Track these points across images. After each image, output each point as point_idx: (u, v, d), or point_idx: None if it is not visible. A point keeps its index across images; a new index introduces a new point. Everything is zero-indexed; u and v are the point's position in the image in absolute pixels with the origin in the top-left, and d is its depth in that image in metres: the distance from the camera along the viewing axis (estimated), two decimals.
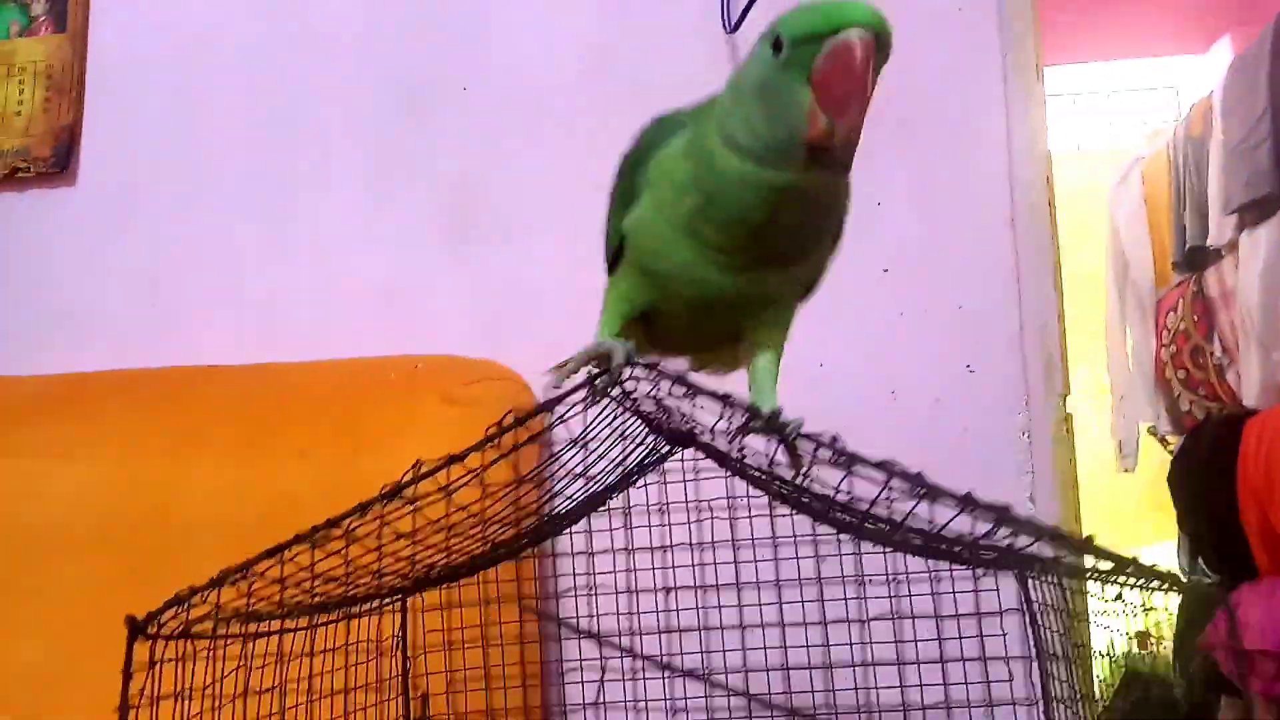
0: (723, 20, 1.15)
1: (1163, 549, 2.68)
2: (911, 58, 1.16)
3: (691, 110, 0.58)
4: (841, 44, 0.47)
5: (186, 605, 0.46)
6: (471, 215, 1.23)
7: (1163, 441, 2.60)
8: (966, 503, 0.47)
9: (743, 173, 0.51)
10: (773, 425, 0.53)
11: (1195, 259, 2.24)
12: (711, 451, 0.51)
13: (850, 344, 1.13)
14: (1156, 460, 2.66)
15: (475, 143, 1.24)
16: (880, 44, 0.48)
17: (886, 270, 1.14)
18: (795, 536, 0.88)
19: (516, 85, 1.24)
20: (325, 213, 1.27)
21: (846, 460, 0.49)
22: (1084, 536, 0.51)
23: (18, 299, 1.33)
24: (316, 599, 0.46)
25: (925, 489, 0.48)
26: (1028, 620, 0.47)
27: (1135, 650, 2.85)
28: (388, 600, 0.51)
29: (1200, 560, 2.29)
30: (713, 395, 0.52)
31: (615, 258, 0.61)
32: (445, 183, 1.24)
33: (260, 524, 1.02)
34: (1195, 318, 2.22)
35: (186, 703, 0.46)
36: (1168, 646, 2.51)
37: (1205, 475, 2.09)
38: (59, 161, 1.32)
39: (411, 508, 0.45)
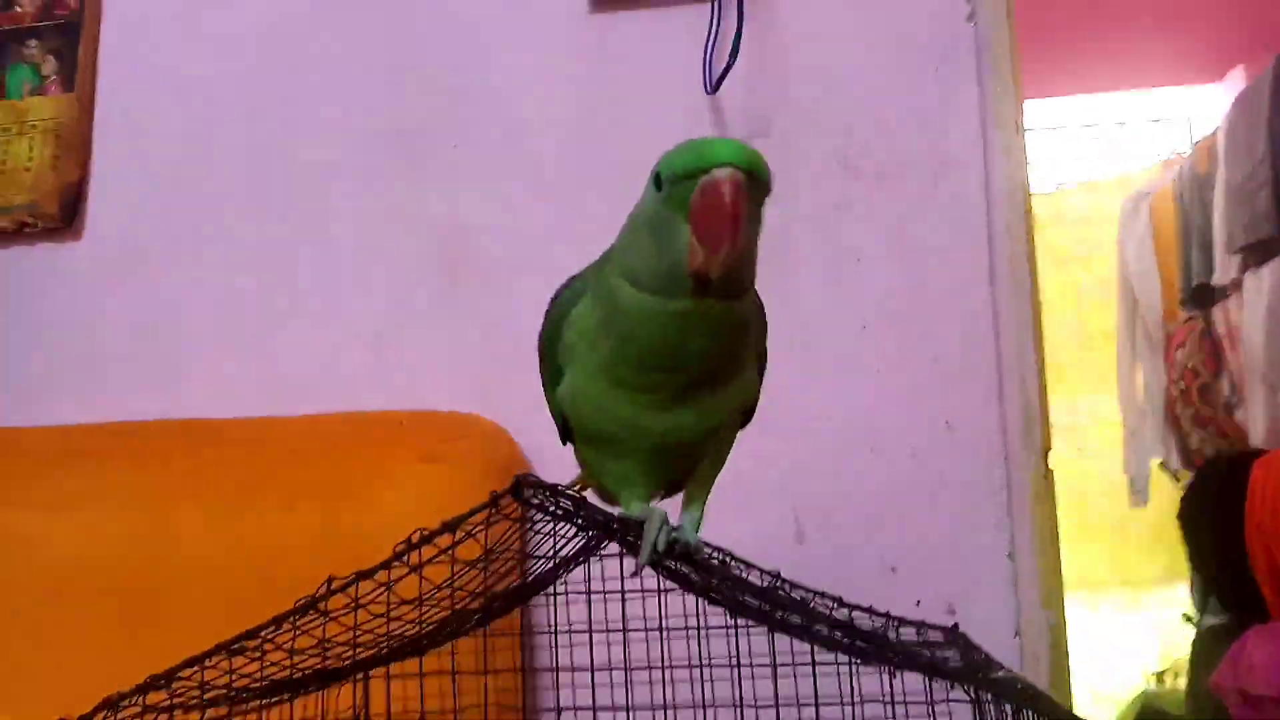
0: (704, 81, 1.17)
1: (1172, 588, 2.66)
2: (890, 112, 1.19)
3: (590, 268, 0.61)
4: (711, 182, 0.49)
5: (117, 708, 0.48)
6: (461, 267, 1.25)
7: (1174, 477, 2.59)
8: (841, 625, 0.49)
9: (641, 302, 0.53)
10: (672, 549, 0.55)
11: (1202, 296, 2.24)
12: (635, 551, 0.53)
13: (829, 399, 1.14)
14: (1169, 495, 2.64)
15: (465, 195, 1.26)
16: (755, 180, 0.50)
17: (865, 326, 1.15)
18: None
19: (506, 139, 1.27)
20: (320, 265, 1.30)
21: (731, 586, 0.50)
22: (979, 671, 0.51)
23: (28, 351, 1.37)
24: (236, 694, 0.48)
25: (805, 618, 0.49)
26: None
27: (1152, 687, 2.82)
28: (309, 690, 0.53)
29: (1211, 600, 2.27)
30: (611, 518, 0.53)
31: (565, 430, 0.64)
32: (435, 236, 1.26)
33: (250, 575, 1.07)
34: (1203, 355, 2.21)
35: None
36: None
37: (1214, 515, 2.08)
38: (65, 217, 1.36)
39: (325, 618, 0.48)
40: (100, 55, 1.40)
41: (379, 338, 1.27)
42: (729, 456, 0.67)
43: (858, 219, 1.17)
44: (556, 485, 0.55)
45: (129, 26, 1.41)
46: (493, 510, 0.52)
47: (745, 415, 0.63)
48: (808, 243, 1.17)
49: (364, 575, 0.50)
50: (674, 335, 0.53)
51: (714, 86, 1.15)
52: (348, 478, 1.07)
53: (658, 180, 0.52)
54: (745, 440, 1.16)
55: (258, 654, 0.46)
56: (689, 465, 0.62)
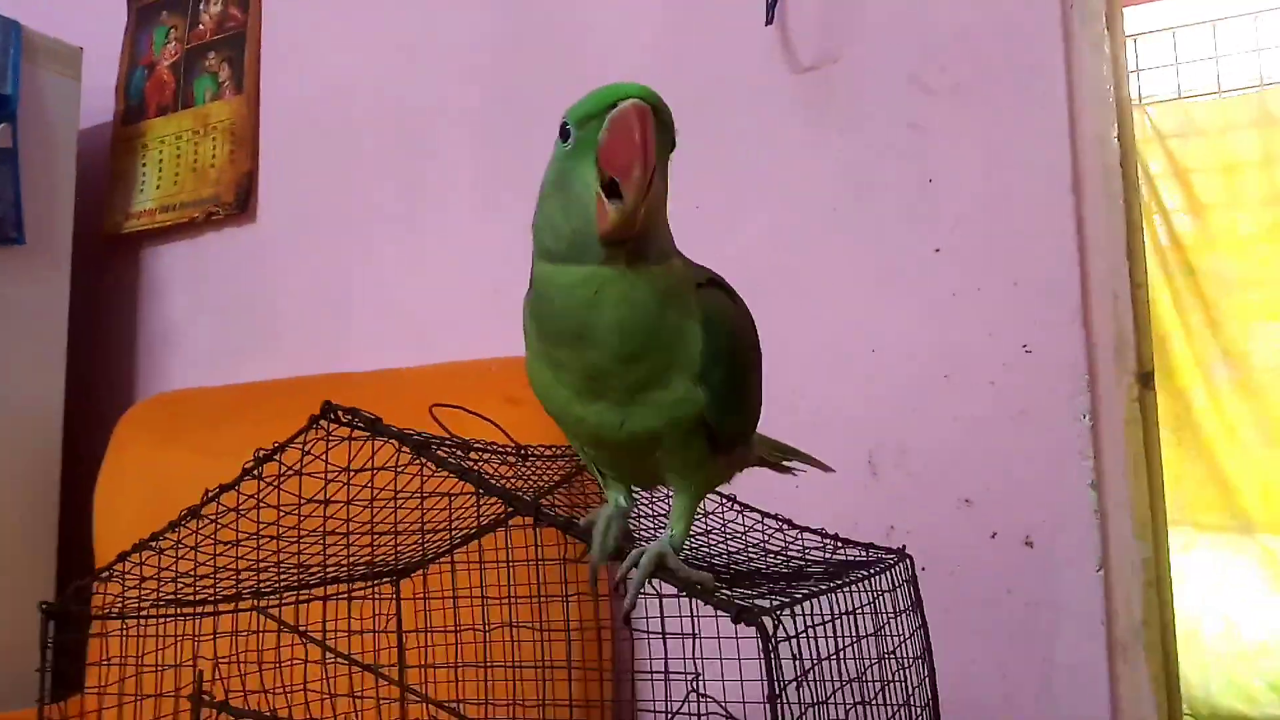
0: (767, 15, 1.16)
1: None
2: (966, 20, 1.12)
3: None
4: (619, 112, 0.50)
5: (75, 590, 0.61)
6: None
7: None
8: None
9: (552, 275, 0.53)
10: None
11: None
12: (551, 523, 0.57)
13: (902, 327, 1.11)
14: None
15: None
16: (660, 121, 0.50)
17: (938, 250, 1.10)
18: None
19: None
20: (446, 228, 1.43)
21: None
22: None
23: (218, 321, 1.60)
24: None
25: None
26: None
27: None
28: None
29: None
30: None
31: None
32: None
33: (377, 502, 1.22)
34: None
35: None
36: None
37: None
38: (240, 203, 1.57)
39: (206, 522, 0.58)
40: (262, 58, 1.60)
41: (496, 293, 1.37)
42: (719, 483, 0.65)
43: (932, 139, 1.12)
44: (356, 409, 0.61)
45: (283, 31, 1.59)
46: (314, 429, 0.59)
47: (714, 440, 0.57)
48: (878, 168, 1.14)
49: (226, 488, 0.59)
50: (579, 305, 0.51)
51: (768, 18, 1.14)
52: (447, 419, 1.18)
53: (564, 133, 0.53)
54: (814, 370, 1.16)
55: (173, 554, 0.58)
56: (651, 472, 0.60)
